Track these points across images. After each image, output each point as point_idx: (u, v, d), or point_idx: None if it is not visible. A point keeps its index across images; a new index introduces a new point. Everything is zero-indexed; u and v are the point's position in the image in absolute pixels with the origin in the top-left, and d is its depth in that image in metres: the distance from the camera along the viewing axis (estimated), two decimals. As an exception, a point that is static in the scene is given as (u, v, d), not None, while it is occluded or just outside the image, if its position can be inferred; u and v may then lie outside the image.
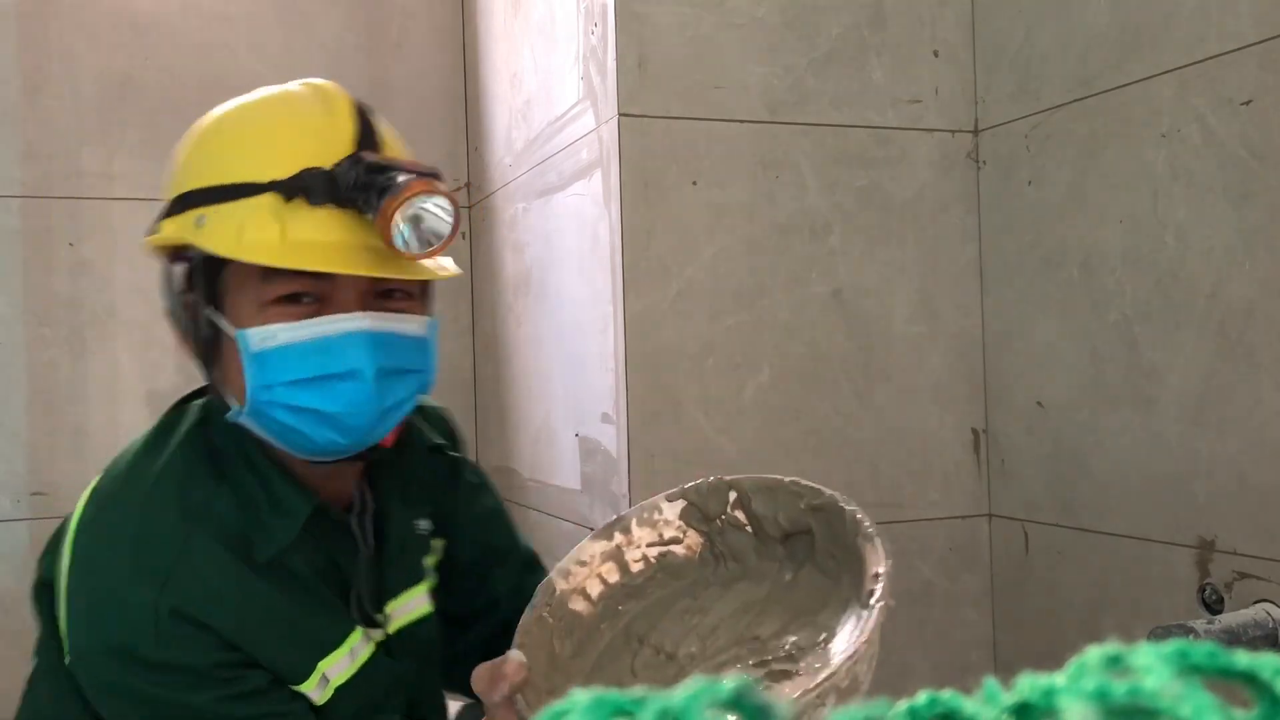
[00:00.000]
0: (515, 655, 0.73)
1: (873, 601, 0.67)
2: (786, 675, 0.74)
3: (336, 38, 2.10)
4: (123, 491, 0.91)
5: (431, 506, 1.09)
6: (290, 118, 0.90)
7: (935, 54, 1.57)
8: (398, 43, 2.11)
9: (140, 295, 1.99)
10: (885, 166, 1.54)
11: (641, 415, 1.44)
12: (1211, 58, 1.21)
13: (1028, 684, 0.19)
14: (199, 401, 0.97)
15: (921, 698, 0.20)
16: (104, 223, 2.01)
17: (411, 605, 1.03)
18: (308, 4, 2.11)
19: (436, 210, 0.85)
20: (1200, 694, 0.18)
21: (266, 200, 0.85)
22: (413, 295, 0.93)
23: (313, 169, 0.85)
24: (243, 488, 0.90)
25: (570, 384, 1.65)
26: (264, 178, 0.85)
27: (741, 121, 1.48)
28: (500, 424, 2.02)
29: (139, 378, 2.02)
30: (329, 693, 0.92)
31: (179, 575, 0.85)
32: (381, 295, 0.90)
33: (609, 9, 1.45)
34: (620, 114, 1.43)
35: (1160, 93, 1.27)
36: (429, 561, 1.07)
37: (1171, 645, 0.19)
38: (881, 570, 0.69)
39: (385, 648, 0.98)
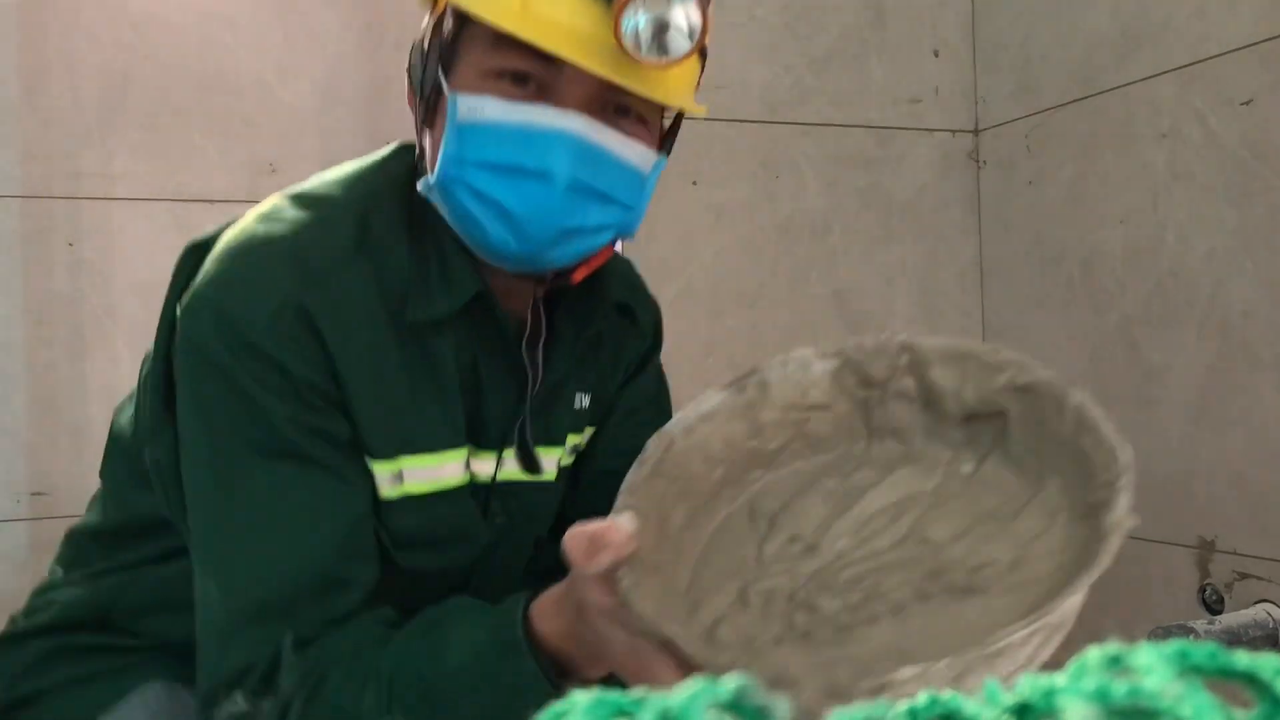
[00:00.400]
0: (625, 521, 0.60)
1: (1112, 520, 0.55)
2: (970, 595, 0.60)
3: (336, 38, 2.10)
4: (316, 194, 0.84)
5: (597, 384, 0.97)
6: None
7: (935, 54, 1.57)
8: (398, 43, 2.11)
9: (140, 295, 1.99)
10: (885, 166, 1.54)
11: (641, 415, 1.44)
12: (1212, 57, 1.21)
13: (1028, 684, 0.19)
14: (412, 158, 0.89)
15: (922, 698, 0.20)
16: (104, 223, 2.02)
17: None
18: (308, 4, 2.12)
19: (677, 9, 0.75)
20: (1201, 694, 0.18)
21: None
22: (649, 124, 0.83)
23: None
24: (422, 247, 0.84)
25: (570, 384, 1.65)
26: None
27: (741, 121, 1.48)
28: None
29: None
30: (398, 493, 0.83)
31: (327, 284, 0.79)
32: (617, 111, 0.80)
33: (609, 9, 1.45)
34: (620, 114, 1.43)
35: (1160, 92, 1.27)
36: (572, 440, 0.95)
37: (1172, 645, 0.19)
38: (1123, 480, 0.56)
39: (484, 494, 0.88)
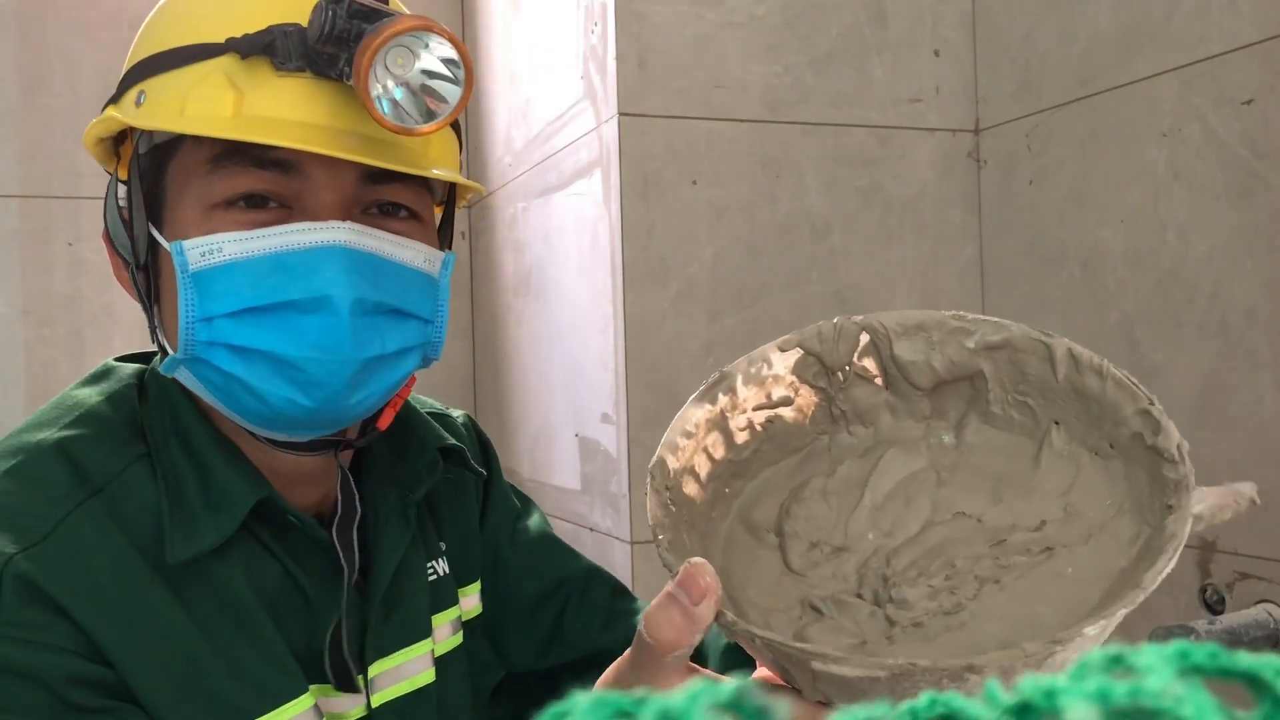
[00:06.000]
0: (699, 562, 0.47)
1: (1175, 444, 0.55)
2: (1050, 553, 0.57)
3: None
4: (14, 442, 0.67)
5: (453, 539, 0.84)
6: None
7: (936, 53, 1.57)
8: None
9: (140, 295, 2.00)
10: (886, 166, 1.54)
11: (641, 415, 1.44)
12: (1213, 57, 1.21)
13: (1029, 684, 0.19)
14: (134, 367, 0.75)
15: (922, 698, 0.20)
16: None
17: (407, 670, 0.75)
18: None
19: (436, 55, 0.62)
20: (1202, 695, 0.18)
21: (222, 64, 0.63)
22: (423, 219, 0.71)
23: (284, 24, 0.63)
24: (170, 469, 0.67)
25: (570, 384, 1.65)
26: (219, 36, 0.64)
27: (741, 121, 1.48)
28: (500, 424, 2.02)
29: (139, 377, 2.02)
30: None
31: (53, 546, 0.61)
32: (382, 211, 0.68)
33: (609, 8, 1.44)
34: (620, 113, 1.43)
35: (1161, 92, 1.27)
36: (444, 616, 0.81)
37: (1173, 646, 0.19)
38: (1158, 406, 0.56)
39: None
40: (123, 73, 0.70)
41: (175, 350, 0.66)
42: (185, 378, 0.67)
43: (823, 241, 1.51)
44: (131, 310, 2.07)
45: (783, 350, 0.66)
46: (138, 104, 0.66)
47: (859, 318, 0.65)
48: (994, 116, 1.55)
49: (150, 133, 0.67)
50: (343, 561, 0.71)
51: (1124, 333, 1.33)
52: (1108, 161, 1.35)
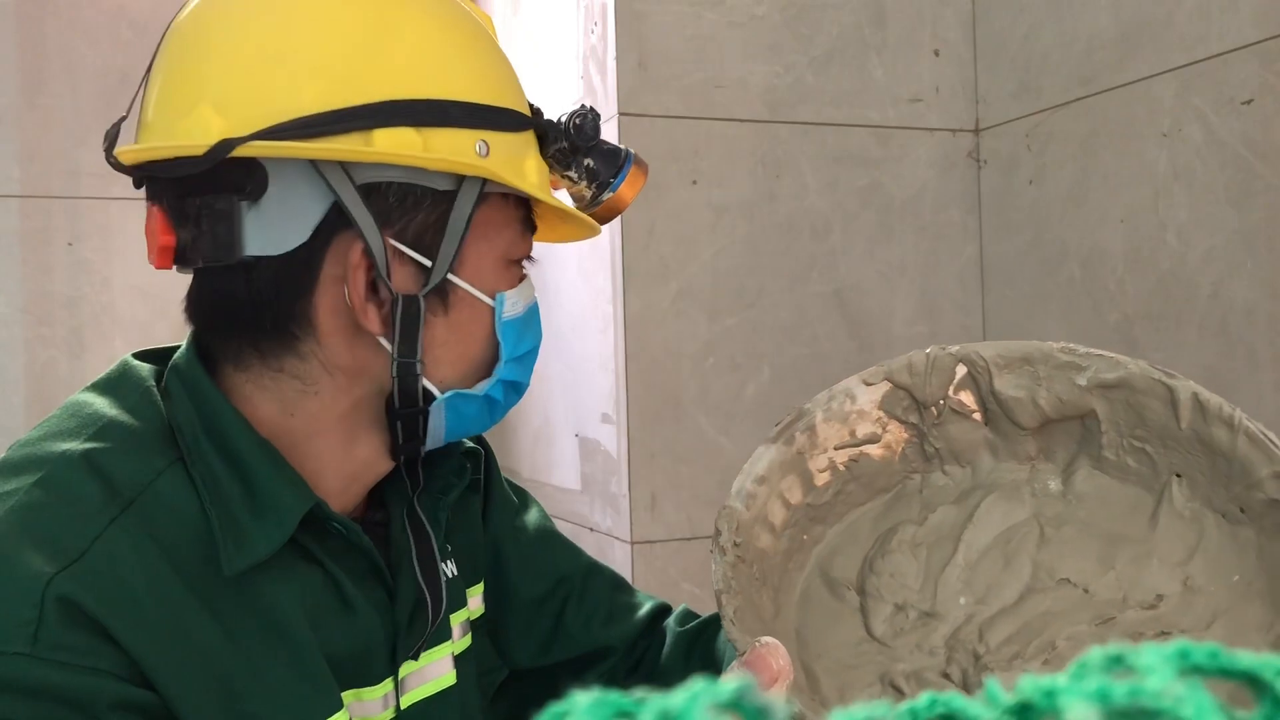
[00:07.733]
0: (772, 643, 0.44)
1: None
2: (1165, 639, 0.47)
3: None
4: (36, 452, 0.64)
5: (460, 540, 0.84)
6: (497, 50, 0.74)
7: (936, 53, 1.57)
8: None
9: (139, 294, 1.99)
10: (886, 166, 1.54)
11: (641, 415, 1.44)
12: (1213, 57, 1.21)
13: (1029, 684, 0.19)
14: (150, 367, 0.71)
15: (922, 698, 0.20)
16: (102, 222, 2.02)
17: (431, 672, 0.76)
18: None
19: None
20: (1202, 695, 0.18)
21: (528, 138, 0.71)
22: None
23: (540, 112, 0.73)
24: (209, 475, 0.64)
25: (570, 384, 1.65)
26: (520, 107, 0.71)
27: (741, 121, 1.48)
28: (500, 424, 2.02)
29: (139, 377, 2.01)
30: None
31: (91, 563, 0.58)
32: None
33: (609, 8, 1.44)
34: (620, 113, 1.43)
35: (1161, 92, 1.27)
36: (458, 617, 0.81)
37: (1173, 646, 0.19)
38: None
39: None
40: (388, 87, 0.64)
41: (445, 386, 0.70)
42: (435, 410, 0.70)
43: (823, 241, 1.51)
44: (132, 310, 2.07)
45: (868, 384, 0.61)
46: (483, 154, 0.67)
47: (955, 348, 0.60)
48: (994, 116, 1.55)
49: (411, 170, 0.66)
50: (427, 538, 0.76)
51: (1124, 333, 1.33)
52: (1108, 161, 1.35)
